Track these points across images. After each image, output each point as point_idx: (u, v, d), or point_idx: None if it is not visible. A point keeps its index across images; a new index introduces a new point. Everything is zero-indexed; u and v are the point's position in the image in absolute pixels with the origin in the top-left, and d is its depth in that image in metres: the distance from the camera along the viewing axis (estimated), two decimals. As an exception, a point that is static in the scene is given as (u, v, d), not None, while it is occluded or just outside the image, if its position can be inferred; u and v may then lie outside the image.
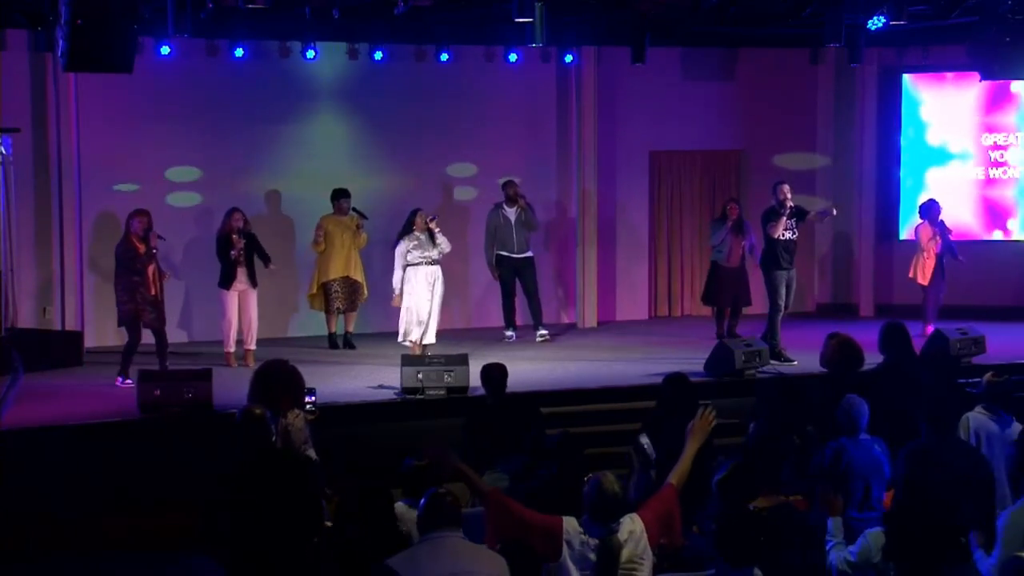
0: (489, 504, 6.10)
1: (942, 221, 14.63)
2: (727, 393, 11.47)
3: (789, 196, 13.18)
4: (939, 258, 14.54)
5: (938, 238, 14.54)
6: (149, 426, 10.57)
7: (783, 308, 13.23)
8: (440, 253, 12.95)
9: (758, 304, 14.31)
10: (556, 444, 7.54)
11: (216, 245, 13.05)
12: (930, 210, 14.69)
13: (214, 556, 6.40)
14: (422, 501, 5.90)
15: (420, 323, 12.85)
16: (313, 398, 8.57)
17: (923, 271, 14.61)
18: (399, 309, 13.06)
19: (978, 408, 8.08)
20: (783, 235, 13.12)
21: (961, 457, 7.29)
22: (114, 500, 9.93)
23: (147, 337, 12.74)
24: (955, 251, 14.67)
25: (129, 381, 12.10)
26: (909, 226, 16.48)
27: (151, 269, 12.19)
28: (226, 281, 12.97)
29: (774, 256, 13.23)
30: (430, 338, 12.97)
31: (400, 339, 12.96)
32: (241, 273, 12.97)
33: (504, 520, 5.99)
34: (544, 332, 14.55)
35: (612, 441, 10.17)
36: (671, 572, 6.33)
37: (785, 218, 13.07)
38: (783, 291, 13.19)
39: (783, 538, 6.18)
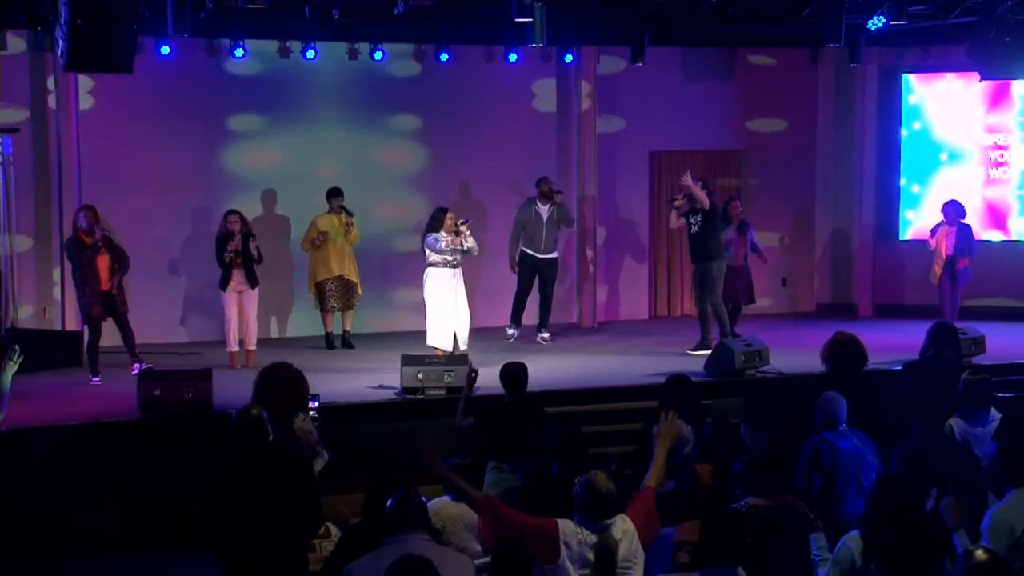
0: (482, 511, 6.05)
1: (964, 223, 14.51)
2: (727, 393, 11.47)
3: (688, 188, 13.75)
4: (948, 260, 14.45)
5: (934, 239, 14.47)
6: (149, 426, 10.57)
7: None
8: (467, 254, 12.74)
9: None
10: (555, 442, 7.50)
11: (215, 247, 13.07)
12: (943, 210, 14.63)
13: (214, 556, 6.40)
14: (388, 502, 5.86)
15: (438, 325, 12.62)
16: (316, 404, 8.57)
17: (932, 271, 14.56)
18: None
19: (956, 414, 7.97)
20: (693, 229, 13.69)
21: (953, 457, 7.27)
22: (114, 500, 9.93)
23: (144, 335, 12.77)
24: (973, 252, 14.47)
25: (96, 380, 12.17)
26: (911, 226, 16.50)
27: (101, 263, 12.21)
28: (222, 282, 13.02)
29: None
30: (463, 342, 12.69)
31: (429, 341, 12.67)
32: (238, 274, 12.98)
33: (498, 526, 5.94)
34: (546, 335, 14.53)
35: (612, 441, 10.15)
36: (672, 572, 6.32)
37: (675, 210, 13.77)
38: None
39: (776, 538, 6.15)
